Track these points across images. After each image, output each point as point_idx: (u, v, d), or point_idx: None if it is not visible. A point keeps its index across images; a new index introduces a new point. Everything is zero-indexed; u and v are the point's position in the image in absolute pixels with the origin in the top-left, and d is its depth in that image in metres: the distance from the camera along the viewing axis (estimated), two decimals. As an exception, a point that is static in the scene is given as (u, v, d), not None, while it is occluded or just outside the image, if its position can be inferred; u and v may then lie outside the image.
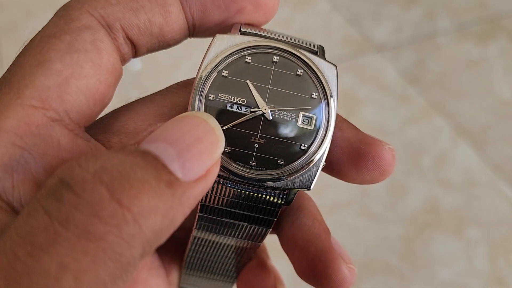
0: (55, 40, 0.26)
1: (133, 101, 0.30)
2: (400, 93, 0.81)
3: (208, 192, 0.27)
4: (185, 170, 0.21)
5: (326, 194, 0.72)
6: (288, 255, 0.30)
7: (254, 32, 0.30)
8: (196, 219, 0.29)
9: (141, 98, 0.31)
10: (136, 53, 0.30)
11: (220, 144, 0.24)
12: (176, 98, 0.30)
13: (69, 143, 0.25)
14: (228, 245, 0.31)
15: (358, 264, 0.65)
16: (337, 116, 0.29)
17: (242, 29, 0.30)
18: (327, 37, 0.90)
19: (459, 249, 0.66)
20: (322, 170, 0.29)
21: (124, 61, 0.30)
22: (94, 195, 0.18)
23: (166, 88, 0.31)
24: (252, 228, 0.29)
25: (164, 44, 0.31)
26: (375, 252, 0.66)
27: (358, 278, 0.64)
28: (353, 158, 0.28)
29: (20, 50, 0.27)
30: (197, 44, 0.36)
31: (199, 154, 0.22)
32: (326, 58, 0.30)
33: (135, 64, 0.88)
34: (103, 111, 0.30)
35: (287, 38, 0.30)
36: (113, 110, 0.30)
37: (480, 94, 0.80)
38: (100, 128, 0.29)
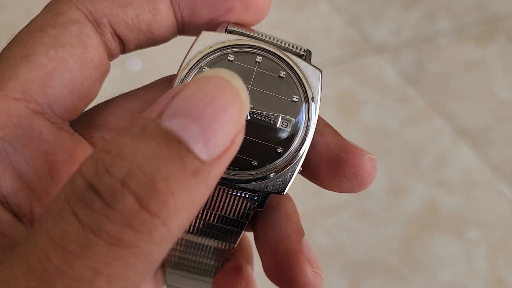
0: (41, 34, 0.26)
1: (115, 97, 0.30)
2: (400, 94, 0.81)
3: None
4: (210, 149, 0.20)
5: (325, 195, 0.72)
6: (259, 254, 0.30)
7: (241, 31, 0.29)
8: None
9: (123, 93, 0.30)
10: (124, 49, 0.30)
11: (246, 107, 0.22)
12: (159, 93, 0.30)
13: (52, 136, 0.25)
14: (204, 245, 0.31)
15: (357, 265, 0.65)
16: (320, 120, 0.28)
17: (228, 28, 0.29)
18: (327, 38, 0.90)
19: (459, 250, 0.66)
20: (300, 174, 0.28)
21: (111, 56, 0.29)
22: (125, 206, 0.18)
23: (150, 83, 0.31)
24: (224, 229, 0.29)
25: (152, 41, 0.30)
26: (374, 253, 0.66)
27: (358, 280, 0.64)
28: (331, 164, 0.28)
29: (7, 43, 0.27)
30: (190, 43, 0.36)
31: (224, 126, 0.21)
32: (314, 63, 0.29)
33: (135, 64, 0.88)
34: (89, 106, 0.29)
35: (274, 40, 0.30)
36: (96, 105, 0.30)
37: (480, 95, 0.80)
38: (82, 122, 0.29)
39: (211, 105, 0.21)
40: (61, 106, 0.26)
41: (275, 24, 0.94)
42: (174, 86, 0.28)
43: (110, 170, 0.19)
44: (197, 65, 0.28)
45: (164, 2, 0.29)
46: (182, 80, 0.28)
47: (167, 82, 0.31)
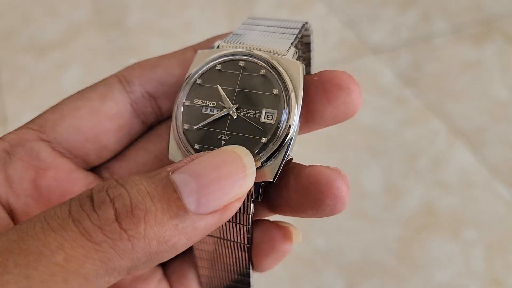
0: (77, 92, 0.34)
1: (127, 149, 0.36)
2: (397, 95, 0.81)
3: None
4: (199, 204, 0.24)
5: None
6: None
7: (230, 45, 0.32)
8: None
9: (135, 145, 0.36)
10: (158, 105, 0.35)
11: (247, 182, 0.26)
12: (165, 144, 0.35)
13: (49, 157, 0.32)
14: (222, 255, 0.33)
15: (355, 266, 0.65)
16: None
17: (221, 44, 0.32)
18: (324, 40, 0.90)
19: (456, 250, 0.66)
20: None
21: (143, 114, 0.35)
22: (104, 213, 0.23)
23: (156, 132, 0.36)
24: (230, 224, 0.31)
25: None
26: (372, 254, 0.66)
27: (355, 281, 0.64)
28: (323, 94, 0.31)
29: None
30: (193, 43, 0.37)
31: (221, 190, 0.25)
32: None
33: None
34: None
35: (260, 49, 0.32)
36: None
37: (476, 95, 0.80)
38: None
39: (215, 170, 0.25)
40: (67, 142, 0.33)
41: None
42: (177, 102, 0.31)
43: (108, 190, 0.24)
44: (191, 78, 0.31)
45: (190, 56, 0.34)
46: (181, 94, 0.31)
47: (168, 128, 0.35)
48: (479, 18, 0.89)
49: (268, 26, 0.34)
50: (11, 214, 0.32)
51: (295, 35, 0.33)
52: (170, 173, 0.25)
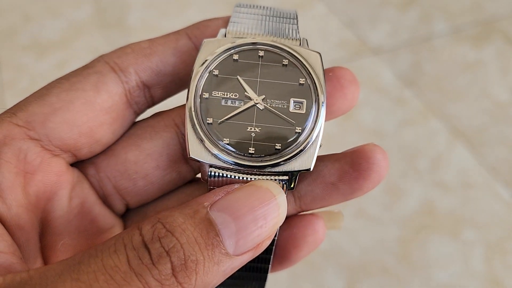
0: (63, 80, 0.31)
1: (115, 144, 0.34)
2: (397, 95, 0.81)
3: (211, 187, 0.29)
4: (237, 246, 0.26)
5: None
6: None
7: (238, 36, 0.32)
8: None
9: (124, 141, 0.34)
10: (151, 96, 0.34)
11: (279, 221, 0.27)
12: (159, 143, 0.34)
13: (37, 159, 0.30)
14: None
15: (354, 266, 0.65)
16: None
17: (227, 33, 0.32)
18: (324, 40, 0.90)
19: (456, 250, 0.66)
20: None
21: (136, 104, 0.33)
22: (163, 268, 0.24)
23: (145, 122, 0.35)
24: None
25: (180, 81, 0.34)
26: (371, 254, 0.66)
27: (355, 280, 0.64)
28: (340, 88, 0.33)
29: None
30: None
31: (257, 231, 0.26)
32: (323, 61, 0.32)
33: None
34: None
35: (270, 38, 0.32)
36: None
37: (476, 96, 0.80)
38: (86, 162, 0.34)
39: (252, 211, 0.26)
40: (59, 139, 0.31)
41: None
42: (187, 106, 0.30)
43: (162, 240, 0.25)
44: (207, 69, 0.31)
45: (185, 44, 0.33)
46: (197, 82, 0.30)
47: (166, 126, 0.34)
48: (479, 19, 0.89)
49: (264, 15, 0.34)
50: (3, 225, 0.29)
51: (296, 24, 0.33)
52: (208, 208, 0.26)
